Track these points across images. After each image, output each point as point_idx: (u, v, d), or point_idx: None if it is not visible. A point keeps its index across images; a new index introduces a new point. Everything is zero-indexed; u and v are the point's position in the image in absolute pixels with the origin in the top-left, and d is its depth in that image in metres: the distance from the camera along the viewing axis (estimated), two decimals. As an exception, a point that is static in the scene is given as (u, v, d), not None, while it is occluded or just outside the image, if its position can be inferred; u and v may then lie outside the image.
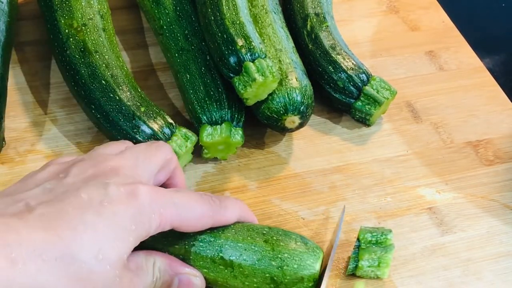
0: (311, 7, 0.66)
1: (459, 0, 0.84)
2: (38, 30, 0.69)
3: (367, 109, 0.61)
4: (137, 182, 0.42)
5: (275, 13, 0.64)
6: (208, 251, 0.46)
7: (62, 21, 0.60)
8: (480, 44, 0.75)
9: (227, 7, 0.57)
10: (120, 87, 0.57)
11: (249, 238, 0.46)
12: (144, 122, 0.55)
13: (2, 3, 0.62)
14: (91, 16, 0.61)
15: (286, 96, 0.57)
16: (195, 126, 0.58)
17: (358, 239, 0.51)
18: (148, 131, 0.55)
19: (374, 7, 0.77)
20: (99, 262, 0.38)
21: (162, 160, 0.47)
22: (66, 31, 0.60)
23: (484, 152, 0.62)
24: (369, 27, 0.74)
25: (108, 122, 0.56)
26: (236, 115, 0.57)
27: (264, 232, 0.47)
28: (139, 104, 0.56)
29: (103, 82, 0.57)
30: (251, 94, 0.55)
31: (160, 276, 0.44)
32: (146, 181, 0.44)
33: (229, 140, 0.56)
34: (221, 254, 0.46)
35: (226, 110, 0.57)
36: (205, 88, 0.58)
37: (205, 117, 0.57)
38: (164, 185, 0.49)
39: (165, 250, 0.46)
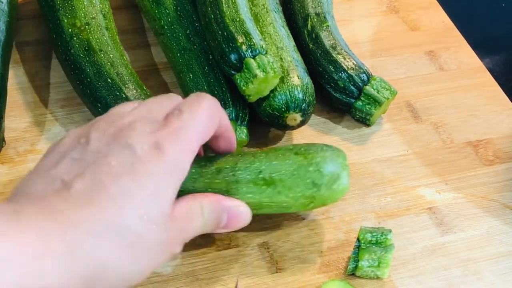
0: (312, 7, 0.66)
1: (459, 0, 0.84)
2: (38, 30, 0.69)
3: (368, 109, 0.61)
4: (156, 131, 0.43)
5: (275, 12, 0.64)
6: (248, 176, 0.49)
7: (65, 21, 0.60)
8: (480, 44, 0.75)
9: (226, 5, 0.57)
10: (126, 85, 0.57)
11: (280, 155, 0.50)
12: None
13: (2, 3, 0.62)
14: (93, 15, 0.61)
15: (288, 93, 0.57)
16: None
17: (358, 239, 0.51)
18: None
19: (374, 7, 0.77)
20: (145, 224, 0.39)
21: (170, 101, 0.47)
22: (70, 30, 0.60)
23: (484, 152, 0.62)
24: (369, 27, 0.74)
25: None
26: (240, 114, 0.57)
27: (290, 148, 0.50)
28: None
29: (109, 80, 0.57)
30: (253, 91, 0.55)
31: (209, 217, 0.46)
32: (162, 118, 0.45)
33: (234, 139, 0.56)
34: (261, 175, 0.48)
35: (231, 109, 0.57)
36: (208, 88, 0.58)
37: (208, 117, 0.57)
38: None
39: (207, 189, 0.48)
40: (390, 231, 0.51)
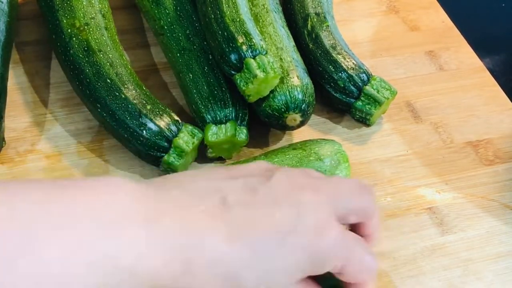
0: (312, 6, 0.66)
1: (459, 0, 0.84)
2: (38, 30, 0.69)
3: (368, 109, 0.61)
4: (330, 220, 0.40)
5: (275, 12, 0.64)
6: None
7: (64, 21, 0.60)
8: (480, 44, 0.75)
9: (227, 5, 0.57)
10: (126, 86, 0.57)
11: (279, 154, 0.52)
12: (151, 120, 0.55)
13: (2, 3, 0.62)
14: (93, 15, 0.61)
15: (288, 94, 0.57)
16: (199, 126, 0.58)
17: None
18: (155, 128, 0.55)
19: (374, 7, 0.77)
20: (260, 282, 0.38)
21: (363, 204, 0.43)
22: (69, 30, 0.60)
23: (484, 152, 0.62)
24: (369, 27, 0.74)
25: (115, 120, 0.56)
26: (240, 114, 0.57)
27: (287, 146, 0.53)
28: (145, 102, 0.56)
29: (108, 80, 0.57)
30: (253, 91, 0.55)
31: None
32: (337, 219, 0.41)
33: (234, 139, 0.56)
34: None
35: (230, 109, 0.57)
36: (208, 88, 0.58)
37: (209, 117, 0.57)
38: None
39: None
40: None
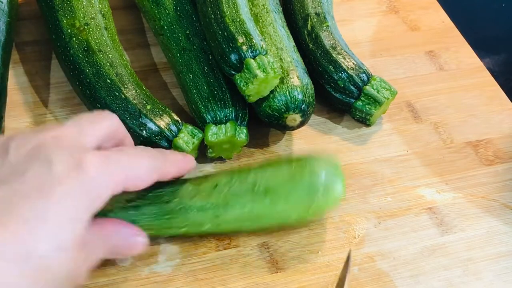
0: (312, 7, 0.66)
1: (459, 0, 0.84)
2: (38, 30, 0.69)
3: (368, 109, 0.61)
4: (82, 151, 0.40)
5: (275, 12, 0.64)
6: (244, 188, 0.49)
7: (64, 21, 0.60)
8: (480, 44, 0.75)
9: (227, 5, 0.57)
10: (125, 86, 0.57)
11: (274, 166, 0.50)
12: (151, 120, 0.55)
13: (2, 3, 0.62)
14: (93, 15, 0.61)
15: (288, 94, 0.57)
16: (199, 126, 0.58)
17: None
18: (155, 128, 0.55)
19: (374, 7, 0.77)
20: (56, 252, 0.37)
21: (108, 127, 0.45)
22: (69, 30, 0.60)
23: (484, 152, 0.62)
24: (369, 27, 0.74)
25: None
26: (240, 114, 0.57)
27: (283, 159, 0.51)
28: (145, 102, 0.56)
29: (108, 81, 0.57)
30: (253, 91, 0.55)
31: (111, 245, 0.44)
32: (92, 148, 0.42)
33: (234, 139, 0.56)
34: (257, 187, 0.48)
35: (230, 109, 0.57)
36: (208, 88, 0.58)
37: (209, 117, 0.57)
38: None
39: (204, 205, 0.48)
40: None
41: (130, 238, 0.46)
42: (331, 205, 0.50)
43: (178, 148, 0.55)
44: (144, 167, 0.44)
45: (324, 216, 0.56)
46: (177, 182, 0.51)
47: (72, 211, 0.38)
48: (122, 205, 0.49)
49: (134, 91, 0.57)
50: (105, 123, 0.45)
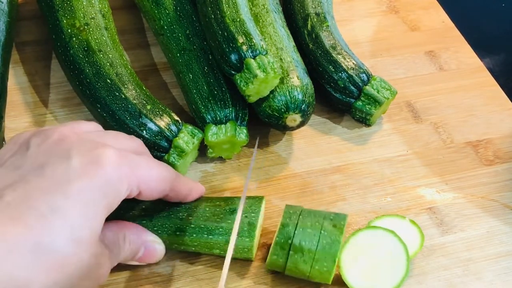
0: (312, 7, 0.66)
1: (459, 0, 0.84)
2: (38, 30, 0.69)
3: (368, 109, 0.61)
4: (100, 146, 0.41)
5: (275, 12, 0.64)
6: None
7: (64, 21, 0.60)
8: (480, 44, 0.75)
9: (227, 5, 0.57)
10: (126, 86, 0.57)
11: (203, 201, 0.51)
12: (151, 120, 0.55)
13: (2, 3, 0.62)
14: (93, 15, 0.61)
15: (288, 94, 0.57)
16: (199, 126, 0.58)
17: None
18: (155, 128, 0.55)
19: (374, 7, 0.77)
20: (73, 247, 0.37)
21: (130, 143, 0.46)
22: (69, 30, 0.60)
23: (484, 152, 0.62)
24: (369, 27, 0.74)
25: (115, 120, 0.56)
26: (240, 114, 0.57)
27: (215, 198, 0.51)
28: (145, 102, 0.56)
29: (108, 81, 0.57)
30: (253, 91, 0.55)
31: (129, 247, 0.45)
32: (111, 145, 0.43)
33: (234, 139, 0.56)
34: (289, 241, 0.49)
35: (230, 109, 0.57)
36: (208, 88, 0.58)
37: (209, 117, 0.57)
38: None
39: (217, 227, 0.49)
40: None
41: (150, 244, 0.47)
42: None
43: (178, 148, 0.55)
44: (157, 172, 0.44)
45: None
46: (195, 201, 0.51)
47: (90, 207, 0.39)
48: (137, 213, 0.49)
49: (134, 91, 0.57)
50: (132, 140, 0.47)
